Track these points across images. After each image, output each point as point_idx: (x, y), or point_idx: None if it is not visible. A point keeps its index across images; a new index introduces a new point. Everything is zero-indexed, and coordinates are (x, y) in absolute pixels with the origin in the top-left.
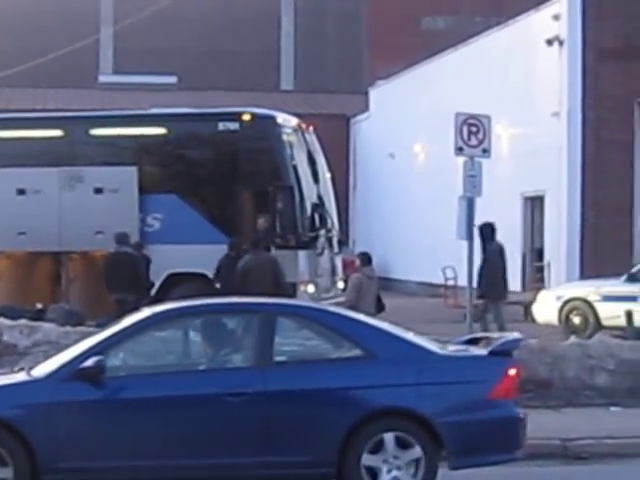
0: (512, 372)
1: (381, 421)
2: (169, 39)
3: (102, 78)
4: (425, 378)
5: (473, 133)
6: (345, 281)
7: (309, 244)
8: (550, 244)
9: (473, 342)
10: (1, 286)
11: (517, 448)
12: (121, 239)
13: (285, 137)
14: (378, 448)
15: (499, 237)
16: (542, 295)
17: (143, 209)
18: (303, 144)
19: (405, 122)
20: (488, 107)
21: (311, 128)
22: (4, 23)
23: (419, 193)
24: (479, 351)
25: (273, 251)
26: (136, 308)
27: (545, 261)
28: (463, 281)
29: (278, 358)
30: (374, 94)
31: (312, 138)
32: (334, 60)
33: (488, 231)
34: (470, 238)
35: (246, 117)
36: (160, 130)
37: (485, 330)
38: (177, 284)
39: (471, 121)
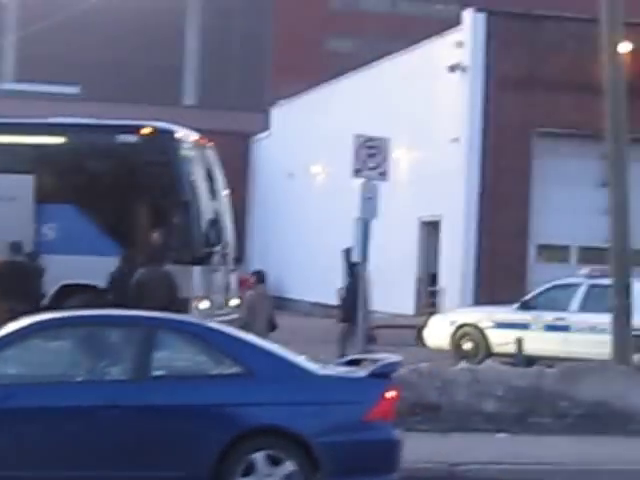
0: (390, 394)
1: (256, 439)
2: (73, 49)
3: (3, 85)
4: (302, 397)
5: (371, 156)
6: (240, 298)
7: (204, 260)
8: (445, 269)
9: (354, 363)
10: None
11: (393, 471)
12: (14, 248)
13: (184, 152)
14: (252, 466)
15: (396, 260)
16: (434, 320)
17: (38, 218)
18: (202, 160)
19: (305, 142)
20: (388, 131)
21: (211, 144)
22: None
23: (316, 214)
24: (358, 372)
25: (167, 266)
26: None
27: (439, 286)
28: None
29: (156, 372)
30: (275, 113)
31: (211, 154)
32: (237, 78)
33: (353, 255)
34: (365, 260)
35: (145, 131)
36: (58, 140)
37: (344, 354)
38: (70, 295)
39: (370, 144)
